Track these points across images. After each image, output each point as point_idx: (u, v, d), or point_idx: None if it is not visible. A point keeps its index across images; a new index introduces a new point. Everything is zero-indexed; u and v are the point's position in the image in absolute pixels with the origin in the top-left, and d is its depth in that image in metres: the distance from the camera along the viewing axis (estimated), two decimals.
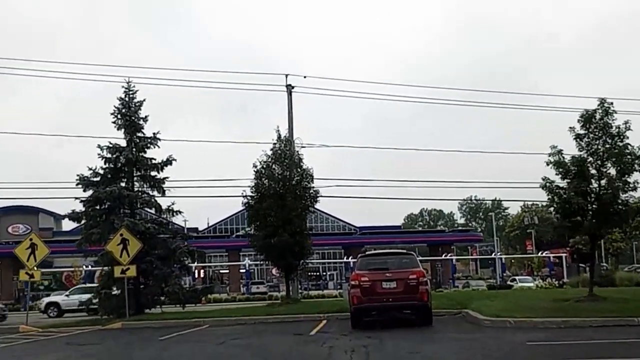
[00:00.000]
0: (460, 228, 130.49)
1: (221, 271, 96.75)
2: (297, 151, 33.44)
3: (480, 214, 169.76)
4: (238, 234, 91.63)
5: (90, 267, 66.27)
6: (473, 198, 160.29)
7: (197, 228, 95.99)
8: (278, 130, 33.47)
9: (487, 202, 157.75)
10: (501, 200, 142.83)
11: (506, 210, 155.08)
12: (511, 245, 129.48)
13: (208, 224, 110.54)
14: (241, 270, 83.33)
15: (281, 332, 22.27)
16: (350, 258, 71.55)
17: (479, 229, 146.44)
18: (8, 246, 76.49)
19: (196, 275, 78.37)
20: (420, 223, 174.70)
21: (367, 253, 23.75)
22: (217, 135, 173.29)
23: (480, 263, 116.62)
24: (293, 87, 40.64)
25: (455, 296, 34.86)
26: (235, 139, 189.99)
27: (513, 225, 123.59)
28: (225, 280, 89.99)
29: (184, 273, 36.77)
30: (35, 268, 32.02)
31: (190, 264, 37.46)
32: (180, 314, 31.88)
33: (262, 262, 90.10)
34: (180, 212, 34.02)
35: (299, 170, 32.63)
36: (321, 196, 33.07)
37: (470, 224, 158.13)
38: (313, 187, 32.81)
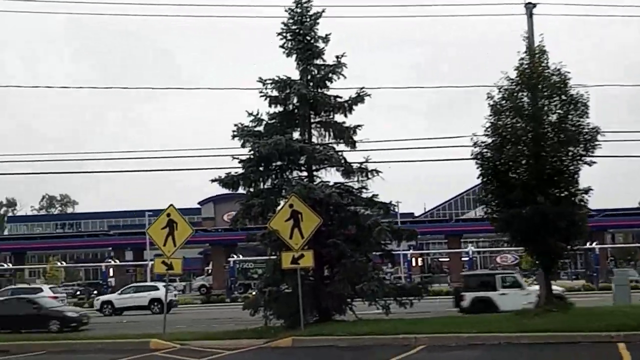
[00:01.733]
0: None
1: (440, 259, 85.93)
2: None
3: None
4: (458, 218, 79.82)
5: None
6: None
7: (412, 213, 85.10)
8: (527, 38, 20.50)
9: None
10: None
11: None
12: None
13: (425, 209, 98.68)
14: (463, 258, 70.96)
15: None
16: (594, 244, 56.33)
17: None
18: (222, 234, 73.48)
19: (413, 264, 67.33)
20: None
21: None
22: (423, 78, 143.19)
23: None
24: (534, 6, 27.25)
25: None
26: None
27: None
28: (446, 269, 78.22)
29: (385, 262, 24.61)
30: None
31: (394, 250, 24.73)
32: (380, 324, 20.21)
33: (486, 249, 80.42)
34: (377, 172, 22.02)
35: (562, 97, 19.32)
36: (598, 142, 19.54)
37: None
38: (588, 124, 19.40)
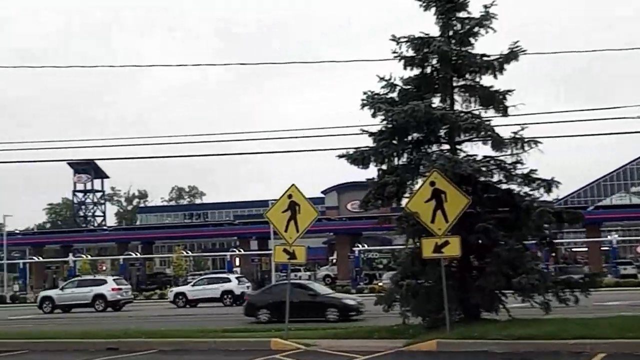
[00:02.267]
0: None
1: (574, 249, 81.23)
2: None
3: None
4: (598, 205, 73.88)
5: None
6: None
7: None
8: None
9: None
10: None
11: None
12: None
13: (558, 196, 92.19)
14: (603, 248, 65.11)
15: None
16: None
17: None
18: (346, 222, 72.10)
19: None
20: None
21: None
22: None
23: None
24: None
25: None
26: None
27: None
28: (580, 260, 72.33)
29: (546, 251, 20.60)
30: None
31: (555, 237, 20.45)
32: (542, 326, 16.55)
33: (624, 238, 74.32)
34: (536, 142, 18.02)
35: None
36: None
37: None
38: None
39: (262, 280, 65.39)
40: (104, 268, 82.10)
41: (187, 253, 73.38)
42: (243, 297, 42.36)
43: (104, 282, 42.51)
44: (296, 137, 23.36)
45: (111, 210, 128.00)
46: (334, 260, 75.28)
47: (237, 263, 70.98)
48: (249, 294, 34.19)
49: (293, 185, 18.50)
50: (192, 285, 44.66)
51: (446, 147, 18.89)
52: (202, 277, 48.95)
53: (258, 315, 26.72)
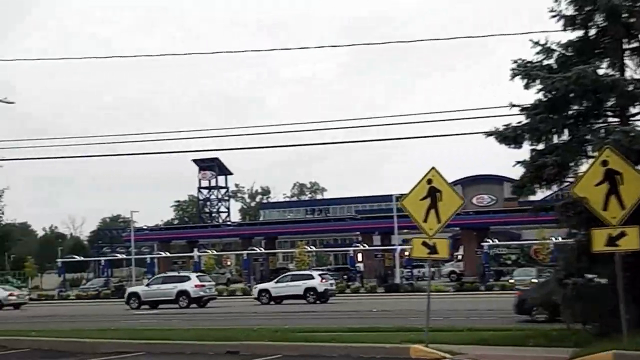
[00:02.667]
0: None
1: None
2: None
3: None
4: None
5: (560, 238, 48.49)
6: None
7: None
8: None
9: None
10: None
11: None
12: None
13: None
14: None
15: None
16: None
17: None
18: (473, 217, 69.11)
19: None
20: None
21: None
22: None
23: None
24: None
25: None
26: None
27: None
28: None
29: None
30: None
31: None
32: None
33: None
34: None
35: None
36: None
37: None
38: None
39: (386, 276, 63.47)
40: (228, 263, 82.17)
41: (311, 248, 72.06)
42: (327, 293, 41.84)
43: (187, 278, 42.46)
44: (431, 121, 20.93)
45: (235, 206, 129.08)
46: (460, 256, 72.14)
47: (359, 259, 69.25)
48: (522, 289, 28.29)
49: (433, 168, 15.85)
50: (276, 282, 44.26)
51: (615, 120, 15.77)
52: (285, 274, 48.52)
53: (533, 313, 22.87)
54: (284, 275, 47.81)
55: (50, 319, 32.71)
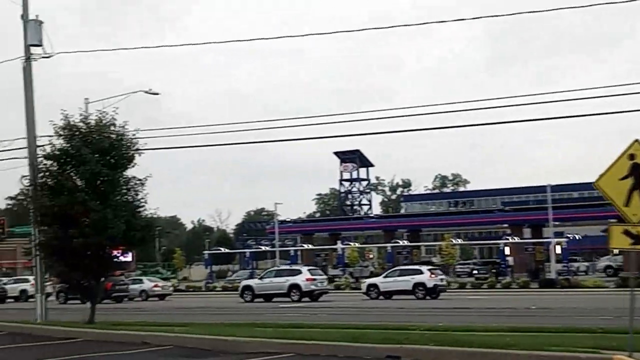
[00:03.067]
0: None
1: None
2: None
3: None
4: None
5: None
6: None
7: None
8: None
9: None
10: None
11: None
12: None
13: None
14: None
15: None
16: None
17: None
18: None
19: None
20: None
21: None
22: None
23: None
24: None
25: None
26: None
27: None
28: None
29: None
30: None
31: None
32: None
33: None
34: None
35: None
36: None
37: None
38: None
39: (537, 270, 59.90)
40: (371, 256, 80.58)
41: (457, 241, 68.99)
42: (436, 289, 40.85)
43: (299, 272, 42.13)
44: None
45: (376, 199, 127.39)
46: (618, 250, 66.85)
47: (507, 252, 65.62)
48: None
49: (636, 141, 12.77)
50: (384, 277, 43.78)
51: None
52: (394, 268, 47.88)
53: None
54: (392, 269, 47.30)
55: (189, 311, 32.66)
